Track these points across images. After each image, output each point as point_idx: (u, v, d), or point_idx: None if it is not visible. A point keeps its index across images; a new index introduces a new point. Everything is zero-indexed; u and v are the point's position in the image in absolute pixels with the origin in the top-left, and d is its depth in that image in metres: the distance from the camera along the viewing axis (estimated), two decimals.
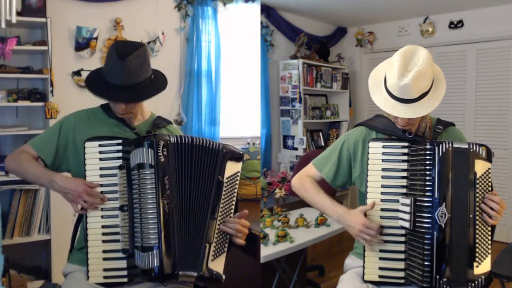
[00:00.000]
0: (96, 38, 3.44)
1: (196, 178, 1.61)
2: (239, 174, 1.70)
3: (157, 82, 1.73)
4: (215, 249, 1.62)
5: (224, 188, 1.64)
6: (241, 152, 1.71)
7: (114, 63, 1.59)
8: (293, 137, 4.72)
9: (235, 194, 1.69)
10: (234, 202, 1.69)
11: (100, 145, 1.62)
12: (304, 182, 1.83)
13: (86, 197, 1.56)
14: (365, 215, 1.60)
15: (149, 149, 1.54)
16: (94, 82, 1.69)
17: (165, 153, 1.56)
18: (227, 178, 1.65)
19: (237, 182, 1.70)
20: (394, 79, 1.53)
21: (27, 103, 3.03)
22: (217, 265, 1.62)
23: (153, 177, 1.52)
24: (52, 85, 3.05)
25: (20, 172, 1.71)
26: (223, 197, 1.64)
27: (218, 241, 1.63)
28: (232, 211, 1.68)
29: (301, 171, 1.90)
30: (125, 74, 1.60)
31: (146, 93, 1.67)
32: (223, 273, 1.64)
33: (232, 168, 1.67)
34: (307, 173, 1.87)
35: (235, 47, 4.15)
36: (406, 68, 1.52)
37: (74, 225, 1.80)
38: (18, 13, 2.90)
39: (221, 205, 1.63)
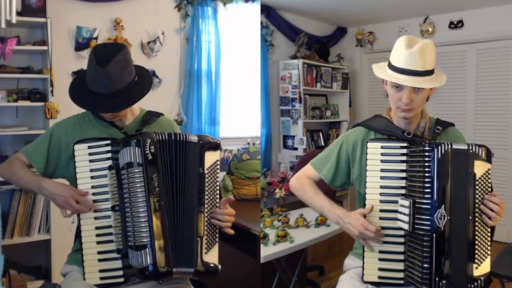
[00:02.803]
0: (96, 38, 3.44)
1: (180, 173, 1.61)
2: (218, 162, 1.69)
3: (141, 84, 1.70)
4: (207, 242, 1.62)
5: (206, 179, 1.64)
6: (218, 141, 1.71)
7: (95, 70, 1.57)
8: (293, 137, 4.72)
9: (218, 184, 1.69)
10: (218, 192, 1.69)
11: (89, 147, 1.61)
12: (302, 183, 1.82)
13: (73, 203, 1.56)
14: (364, 217, 1.60)
15: (136, 148, 1.54)
16: (77, 91, 1.67)
17: (152, 150, 1.56)
18: (207, 169, 1.65)
19: (218, 171, 1.69)
20: (402, 49, 1.58)
21: (27, 103, 3.03)
22: (212, 257, 1.63)
23: (142, 175, 1.53)
24: (52, 85, 3.05)
25: (12, 179, 1.72)
26: (206, 188, 1.64)
27: (208, 233, 1.63)
28: (217, 200, 1.68)
29: (299, 172, 1.89)
30: (106, 82, 1.58)
31: (130, 99, 1.65)
32: (219, 263, 1.64)
33: (211, 158, 1.67)
34: (305, 174, 1.85)
35: (235, 47, 4.15)
36: (413, 41, 1.60)
37: (76, 226, 1.80)
38: (18, 13, 2.91)
39: (206, 197, 1.63)
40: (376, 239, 1.57)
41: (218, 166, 1.69)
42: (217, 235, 1.67)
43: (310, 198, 1.78)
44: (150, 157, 1.55)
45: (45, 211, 3.02)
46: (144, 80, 1.73)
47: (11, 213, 2.92)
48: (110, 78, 1.57)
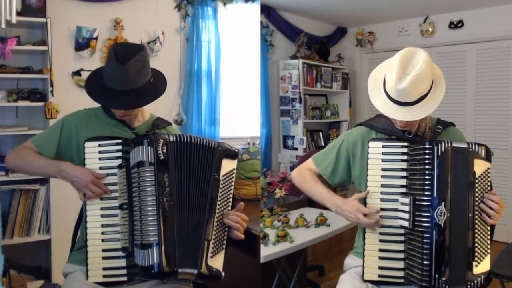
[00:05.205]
0: (96, 38, 3.44)
1: (194, 176, 1.62)
2: (234, 171, 1.71)
3: (156, 86, 1.73)
4: (214, 246, 1.62)
5: (221, 186, 1.65)
6: (236, 150, 1.72)
7: (114, 67, 1.60)
8: (293, 137, 4.72)
9: (231, 192, 1.70)
10: (230, 200, 1.70)
11: (99, 145, 1.63)
12: (303, 174, 1.87)
13: (92, 187, 1.57)
14: (365, 204, 1.62)
15: (149, 147, 1.55)
16: (93, 86, 1.69)
17: (164, 151, 1.57)
18: (223, 176, 1.66)
19: (233, 179, 1.70)
20: (392, 82, 1.53)
21: (27, 103, 3.03)
22: (216, 262, 1.63)
23: (153, 174, 1.53)
24: (52, 85, 3.05)
25: (23, 166, 1.70)
26: (220, 194, 1.64)
27: (216, 238, 1.63)
28: (229, 208, 1.69)
29: (301, 165, 1.94)
30: (124, 79, 1.60)
31: (145, 99, 1.68)
32: (223, 270, 1.64)
33: (228, 165, 1.68)
34: (306, 167, 1.90)
35: (235, 47, 4.15)
36: (405, 71, 1.52)
37: (74, 225, 1.80)
38: (18, 13, 2.90)
39: (218, 203, 1.64)
40: (373, 222, 1.58)
41: (234, 175, 1.70)
42: (224, 242, 1.67)
43: (310, 188, 1.82)
44: (162, 157, 1.56)
45: (45, 211, 3.02)
46: (159, 83, 1.76)
47: (11, 213, 2.92)
48: (128, 76, 1.60)
